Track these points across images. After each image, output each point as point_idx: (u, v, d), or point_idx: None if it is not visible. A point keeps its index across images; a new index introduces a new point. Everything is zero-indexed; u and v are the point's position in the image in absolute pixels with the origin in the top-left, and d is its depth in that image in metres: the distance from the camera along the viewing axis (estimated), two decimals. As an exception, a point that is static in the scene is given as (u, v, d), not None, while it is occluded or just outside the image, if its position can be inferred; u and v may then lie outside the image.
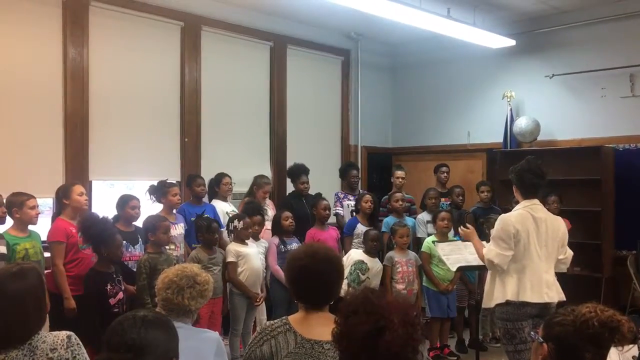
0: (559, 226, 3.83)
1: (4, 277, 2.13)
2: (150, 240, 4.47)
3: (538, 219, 3.73)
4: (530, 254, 3.68)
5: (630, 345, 1.70)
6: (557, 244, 3.79)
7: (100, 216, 4.33)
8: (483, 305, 4.02)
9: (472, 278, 5.77)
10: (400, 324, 1.47)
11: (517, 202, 3.92)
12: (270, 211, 5.89)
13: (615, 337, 1.65)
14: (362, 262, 5.24)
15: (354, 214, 6.02)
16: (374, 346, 1.47)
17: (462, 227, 4.22)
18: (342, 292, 2.17)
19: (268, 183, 6.10)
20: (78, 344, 2.17)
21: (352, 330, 1.50)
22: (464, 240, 4.48)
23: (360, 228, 5.69)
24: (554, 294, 3.70)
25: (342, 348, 1.55)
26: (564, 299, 3.72)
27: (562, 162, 6.44)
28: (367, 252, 5.29)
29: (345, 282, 5.09)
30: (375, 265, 5.27)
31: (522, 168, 3.80)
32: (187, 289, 2.57)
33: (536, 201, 3.80)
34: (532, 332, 1.81)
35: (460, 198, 6.35)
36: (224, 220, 5.46)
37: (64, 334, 2.17)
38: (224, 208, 5.70)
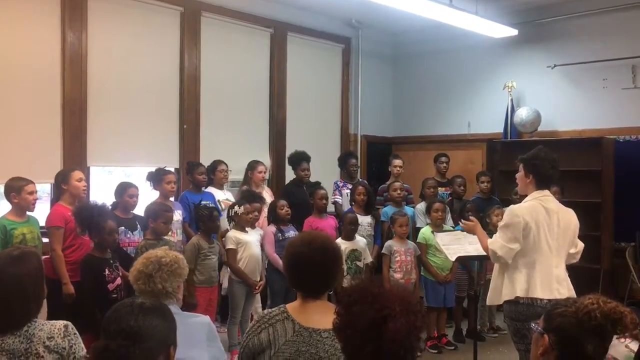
0: (571, 218, 3.61)
1: (4, 261, 2.11)
2: (150, 226, 4.45)
3: (549, 211, 3.51)
4: (540, 248, 3.46)
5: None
6: (569, 237, 3.58)
7: (93, 202, 4.28)
8: (489, 302, 3.79)
9: (474, 266, 5.75)
10: (402, 313, 1.46)
11: (517, 193, 3.79)
12: (268, 198, 5.87)
13: (617, 329, 1.63)
14: (354, 250, 5.27)
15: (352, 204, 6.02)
16: (379, 335, 1.45)
17: (462, 220, 4.12)
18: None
19: (260, 163, 6.05)
20: (75, 333, 2.15)
21: (356, 320, 1.49)
22: (463, 231, 4.43)
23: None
24: (565, 290, 3.48)
25: (345, 338, 1.53)
26: (575, 296, 3.46)
27: (563, 153, 6.30)
28: (346, 237, 5.30)
29: (347, 277, 5.11)
30: (353, 246, 5.29)
31: (540, 157, 3.57)
32: (155, 273, 2.49)
33: (547, 192, 3.59)
34: (532, 324, 1.78)
35: (462, 188, 6.34)
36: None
37: (61, 323, 2.15)
38: (218, 196, 5.67)
